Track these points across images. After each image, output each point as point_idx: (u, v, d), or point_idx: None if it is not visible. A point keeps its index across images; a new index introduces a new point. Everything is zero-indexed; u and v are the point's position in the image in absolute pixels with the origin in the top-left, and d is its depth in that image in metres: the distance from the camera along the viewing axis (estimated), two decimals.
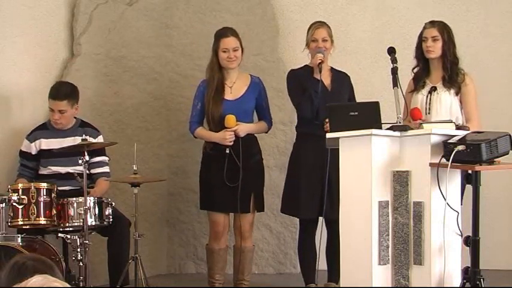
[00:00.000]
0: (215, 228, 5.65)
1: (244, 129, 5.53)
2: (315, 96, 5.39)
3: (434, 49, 5.30)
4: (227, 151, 5.48)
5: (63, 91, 5.53)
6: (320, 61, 5.43)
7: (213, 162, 5.58)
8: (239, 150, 5.48)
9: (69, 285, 2.37)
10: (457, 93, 5.32)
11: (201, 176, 5.72)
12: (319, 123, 5.42)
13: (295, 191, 5.55)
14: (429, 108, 5.31)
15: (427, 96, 5.33)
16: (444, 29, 5.32)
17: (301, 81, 5.54)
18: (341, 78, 5.67)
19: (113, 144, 5.47)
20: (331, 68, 5.70)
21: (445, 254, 4.41)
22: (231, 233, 5.79)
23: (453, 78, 5.32)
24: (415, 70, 5.44)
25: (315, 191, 5.42)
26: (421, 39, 5.36)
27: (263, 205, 5.72)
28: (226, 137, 5.46)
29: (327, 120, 5.30)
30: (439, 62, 5.35)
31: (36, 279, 2.30)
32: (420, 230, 4.41)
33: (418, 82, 5.38)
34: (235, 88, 5.62)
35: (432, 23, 5.35)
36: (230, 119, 5.48)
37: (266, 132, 5.81)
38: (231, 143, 5.47)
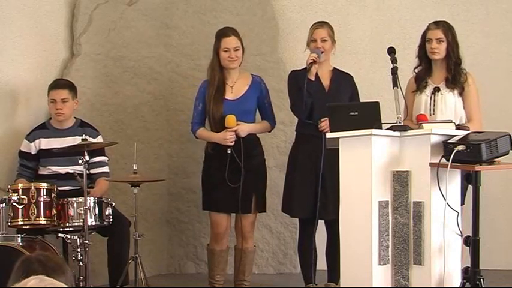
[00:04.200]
0: (216, 230, 5.64)
1: (245, 129, 5.52)
2: (305, 96, 5.38)
3: (439, 51, 5.29)
4: (228, 151, 5.46)
5: (63, 81, 5.72)
6: (312, 61, 5.42)
7: (215, 163, 5.57)
8: (240, 151, 5.47)
9: (65, 286, 2.37)
10: (460, 94, 5.32)
11: (203, 176, 5.71)
12: (313, 123, 5.42)
13: (290, 190, 5.56)
14: (434, 109, 5.31)
15: (431, 97, 5.33)
16: (449, 30, 5.31)
17: (299, 82, 5.54)
18: (342, 79, 5.65)
19: (113, 144, 5.47)
20: (334, 68, 5.69)
21: (445, 254, 4.41)
22: (232, 234, 5.79)
23: (456, 79, 5.31)
24: (417, 70, 5.44)
25: (308, 190, 5.42)
26: (424, 40, 5.35)
27: (265, 206, 5.71)
28: (226, 137, 5.45)
29: (322, 120, 5.32)
30: (442, 63, 5.35)
31: (34, 281, 2.30)
32: (420, 230, 4.41)
33: (420, 82, 5.37)
34: (236, 88, 5.61)
35: (437, 24, 5.33)
36: (230, 119, 5.47)
37: (269, 132, 5.80)
38: (232, 143, 5.46)
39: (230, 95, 5.58)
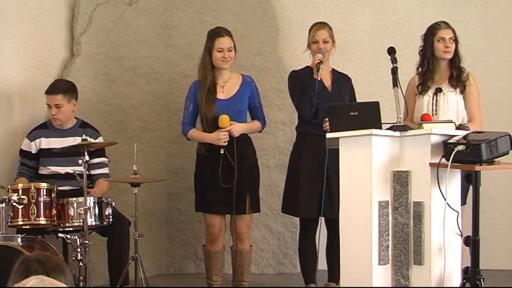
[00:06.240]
0: (211, 231, 5.63)
1: (238, 129, 5.51)
2: (313, 96, 5.40)
3: (452, 50, 5.31)
4: (221, 152, 5.45)
5: (59, 85, 5.63)
6: (319, 61, 5.43)
7: (208, 163, 5.55)
8: (234, 151, 5.46)
9: (65, 286, 2.37)
10: (461, 92, 5.33)
11: (196, 177, 5.70)
12: (318, 122, 5.43)
13: (295, 190, 5.54)
14: (436, 110, 5.31)
15: (433, 98, 5.33)
16: (454, 29, 5.34)
17: (301, 82, 5.55)
18: (342, 80, 5.67)
19: (113, 144, 5.47)
20: (333, 69, 5.70)
21: (445, 254, 4.41)
22: (229, 233, 5.78)
23: (459, 77, 5.33)
24: (420, 70, 5.41)
25: (314, 190, 5.41)
26: (432, 39, 5.32)
27: (259, 206, 5.69)
28: (220, 138, 5.43)
29: (326, 119, 5.32)
30: (447, 62, 5.35)
31: (34, 281, 2.30)
32: (420, 230, 4.41)
33: (424, 84, 5.35)
34: (227, 88, 5.59)
35: (447, 24, 5.35)
36: (224, 119, 5.46)
37: (260, 132, 5.78)
38: (226, 144, 5.45)
39: (222, 95, 5.56)
